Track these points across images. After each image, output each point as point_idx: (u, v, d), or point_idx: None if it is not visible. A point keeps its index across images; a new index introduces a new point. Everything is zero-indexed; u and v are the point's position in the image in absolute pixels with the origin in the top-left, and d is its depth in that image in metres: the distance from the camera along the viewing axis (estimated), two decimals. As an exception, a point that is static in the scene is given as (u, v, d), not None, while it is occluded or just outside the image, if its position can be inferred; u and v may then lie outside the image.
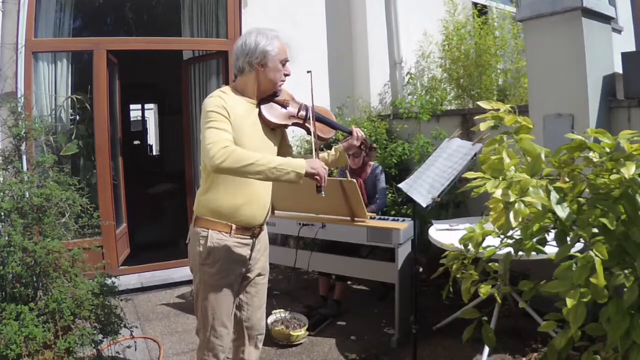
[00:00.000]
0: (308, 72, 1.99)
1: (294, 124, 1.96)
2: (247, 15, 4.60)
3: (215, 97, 1.79)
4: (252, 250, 1.95)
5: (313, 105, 1.98)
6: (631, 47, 4.96)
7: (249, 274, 1.98)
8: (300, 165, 1.70)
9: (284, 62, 1.88)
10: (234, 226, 1.86)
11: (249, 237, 1.92)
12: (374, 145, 3.32)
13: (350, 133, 2.06)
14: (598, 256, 1.22)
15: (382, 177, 3.68)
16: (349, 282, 3.86)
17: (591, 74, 3.00)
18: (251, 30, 1.88)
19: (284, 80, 1.92)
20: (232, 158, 1.63)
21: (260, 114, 1.89)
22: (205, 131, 1.71)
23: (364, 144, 2.08)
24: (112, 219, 4.10)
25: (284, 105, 1.94)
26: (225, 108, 1.75)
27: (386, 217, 3.32)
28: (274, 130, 1.95)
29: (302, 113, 1.97)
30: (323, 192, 1.75)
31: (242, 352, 2.06)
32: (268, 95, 1.91)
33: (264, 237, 2.06)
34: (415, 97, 4.92)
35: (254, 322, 2.05)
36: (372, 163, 3.68)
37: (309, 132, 1.94)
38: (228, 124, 1.75)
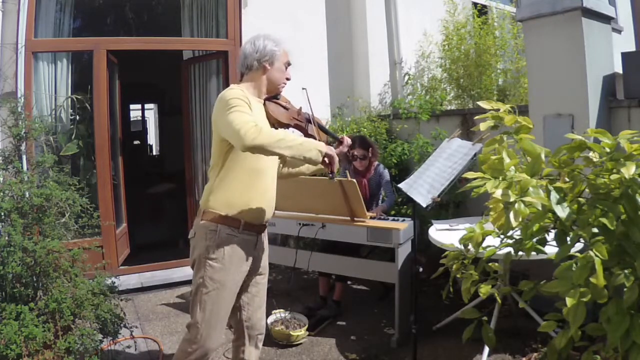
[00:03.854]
0: (303, 89, 2.11)
1: (294, 125, 2.04)
2: (247, 15, 4.60)
3: (236, 89, 1.86)
4: (255, 247, 1.97)
5: (311, 109, 2.10)
6: (631, 47, 4.96)
7: (251, 273, 1.99)
8: (321, 145, 1.83)
9: (286, 65, 2.01)
10: (242, 222, 1.88)
11: (255, 234, 1.95)
12: (355, 153, 3.47)
13: (340, 141, 2.13)
14: (598, 256, 1.22)
15: (386, 174, 3.69)
16: (349, 282, 3.86)
17: (591, 74, 3.00)
18: (259, 35, 2.00)
19: (285, 83, 2.04)
20: (263, 135, 1.69)
21: (267, 111, 1.96)
22: (229, 115, 1.74)
23: (349, 150, 2.18)
24: (112, 219, 4.10)
25: (285, 107, 2.04)
26: (247, 97, 1.83)
27: (386, 217, 3.32)
28: (276, 128, 1.98)
29: (302, 115, 2.08)
30: (334, 177, 1.91)
31: (242, 352, 2.06)
32: (271, 96, 2.02)
33: (265, 236, 2.09)
34: (414, 97, 4.92)
35: (254, 321, 2.05)
36: (376, 163, 3.68)
37: (306, 135, 2.04)
38: (251, 111, 1.81)
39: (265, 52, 1.94)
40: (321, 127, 2.12)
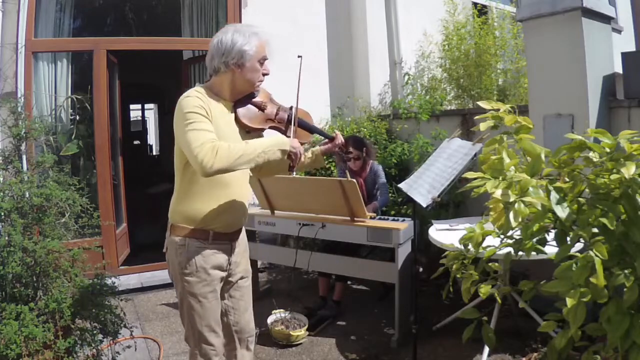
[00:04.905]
0: (299, 57, 1.91)
1: (271, 128, 1.88)
2: (247, 15, 4.60)
3: (192, 97, 1.69)
4: (231, 254, 1.90)
5: (297, 107, 1.90)
6: (631, 47, 4.95)
7: (230, 278, 1.93)
8: (283, 142, 1.73)
9: (262, 61, 1.77)
10: (211, 232, 1.80)
11: (227, 242, 1.87)
12: (350, 151, 3.32)
13: (332, 139, 1.99)
14: (598, 256, 1.21)
15: (382, 173, 3.69)
16: (349, 282, 3.86)
17: (591, 74, 3.00)
18: (227, 28, 1.79)
19: (262, 80, 1.82)
20: (219, 158, 1.58)
21: (236, 117, 1.81)
22: (186, 134, 1.62)
23: (341, 149, 2.02)
24: (112, 219, 4.11)
25: (261, 107, 1.85)
26: (203, 107, 1.67)
27: (386, 217, 3.32)
28: (249, 133, 1.85)
29: (281, 115, 1.88)
30: (294, 172, 1.82)
31: (234, 357, 2.04)
32: (245, 96, 1.83)
33: (242, 239, 1.99)
34: (414, 97, 4.92)
35: (243, 325, 2.01)
36: (371, 162, 3.68)
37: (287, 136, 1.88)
38: (208, 122, 1.67)
39: (233, 52, 1.71)
40: (306, 126, 1.93)
